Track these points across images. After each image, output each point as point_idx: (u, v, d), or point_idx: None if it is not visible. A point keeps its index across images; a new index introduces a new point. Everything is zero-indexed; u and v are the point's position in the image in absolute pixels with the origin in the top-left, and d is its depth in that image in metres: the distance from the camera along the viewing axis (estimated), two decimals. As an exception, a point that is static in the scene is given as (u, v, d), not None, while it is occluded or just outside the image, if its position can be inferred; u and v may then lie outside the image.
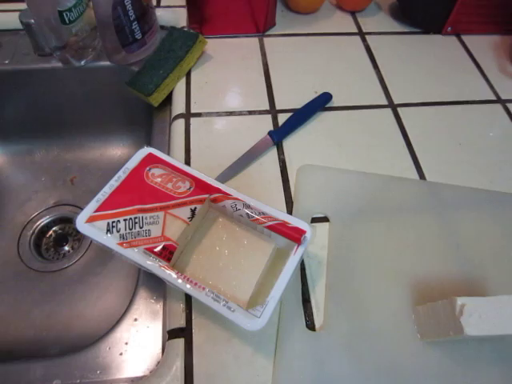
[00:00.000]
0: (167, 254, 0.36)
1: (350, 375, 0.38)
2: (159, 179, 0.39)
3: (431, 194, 0.51)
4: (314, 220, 0.48)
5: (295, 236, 0.37)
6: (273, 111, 0.59)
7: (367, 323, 0.41)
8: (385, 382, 0.38)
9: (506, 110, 0.62)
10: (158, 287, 0.45)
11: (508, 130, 0.60)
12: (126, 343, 0.42)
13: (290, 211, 0.48)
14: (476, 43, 0.72)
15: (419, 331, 0.40)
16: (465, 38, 0.73)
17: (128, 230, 0.36)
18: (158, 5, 0.73)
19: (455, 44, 0.72)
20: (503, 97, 0.64)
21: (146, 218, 0.37)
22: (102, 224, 0.36)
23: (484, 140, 0.58)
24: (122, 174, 0.40)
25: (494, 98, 0.64)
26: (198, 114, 0.57)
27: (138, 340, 0.42)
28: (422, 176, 0.53)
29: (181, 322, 0.40)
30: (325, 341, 0.39)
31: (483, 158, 0.56)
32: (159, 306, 0.44)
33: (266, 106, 0.59)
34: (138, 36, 0.62)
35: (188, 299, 0.41)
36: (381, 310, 0.42)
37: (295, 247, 0.37)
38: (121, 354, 0.41)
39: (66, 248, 0.68)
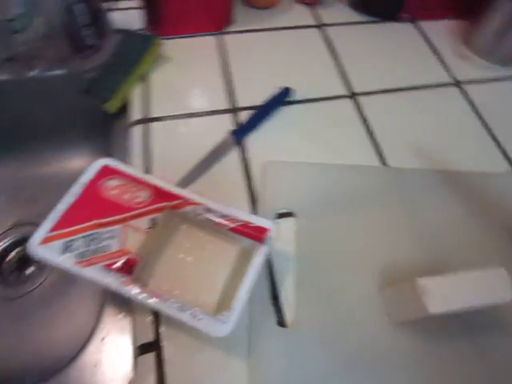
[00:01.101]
0: (128, 268, 0.35)
1: (325, 367, 0.38)
2: (116, 191, 0.38)
3: (394, 180, 0.51)
4: (280, 216, 0.47)
5: (258, 235, 0.37)
6: (234, 110, 0.58)
7: (338, 313, 0.41)
8: (359, 368, 0.38)
9: (463, 92, 0.63)
10: (125, 303, 0.44)
11: (465, 111, 0.61)
12: (95, 365, 0.40)
13: (255, 209, 0.48)
14: (432, 29, 0.73)
15: (388, 314, 0.41)
16: (421, 24, 0.74)
17: (86, 248, 0.35)
18: (111, 8, 0.71)
19: (412, 30, 0.73)
20: (460, 79, 0.65)
21: (103, 233, 0.36)
22: (58, 244, 0.35)
23: (443, 122, 0.59)
24: (76, 189, 0.38)
25: (451, 81, 0.65)
26: (158, 118, 0.56)
27: (108, 360, 0.41)
28: (384, 162, 0.53)
29: (149, 336, 0.39)
30: (297, 336, 0.39)
31: (443, 140, 0.57)
32: (128, 322, 0.43)
33: (228, 105, 0.58)
34: (92, 41, 0.60)
35: (156, 312, 0.40)
36: (350, 298, 0.42)
37: (259, 246, 0.37)
38: (91, 376, 0.40)
39: (30, 270, 0.65)
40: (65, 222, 0.36)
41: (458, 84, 0.64)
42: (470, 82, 0.65)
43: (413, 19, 0.74)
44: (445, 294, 0.35)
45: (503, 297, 0.35)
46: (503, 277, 0.35)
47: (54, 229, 0.36)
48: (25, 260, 0.66)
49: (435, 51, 0.69)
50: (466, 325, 0.41)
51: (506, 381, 0.39)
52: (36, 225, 0.36)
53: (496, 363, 0.40)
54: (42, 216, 0.36)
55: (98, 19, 0.60)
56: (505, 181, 0.53)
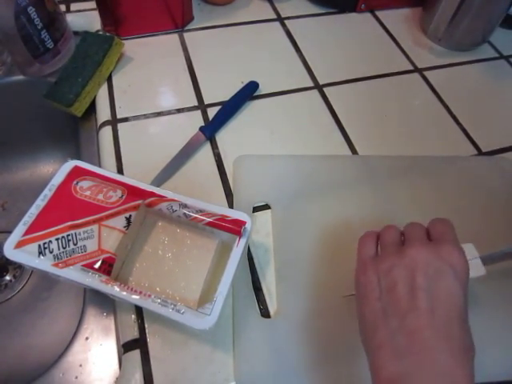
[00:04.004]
0: (107, 268, 0.34)
1: (310, 355, 0.39)
2: (88, 192, 0.38)
3: (364, 167, 0.52)
4: (256, 209, 0.48)
5: (235, 229, 0.37)
6: (202, 106, 0.58)
7: (319, 301, 0.42)
8: (342, 356, 0.39)
9: (424, 77, 0.65)
10: (106, 302, 0.43)
11: (427, 96, 0.63)
12: (80, 365, 0.40)
13: (230, 204, 0.48)
14: (389, 17, 0.75)
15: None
16: (378, 13, 0.76)
17: (62, 249, 0.35)
18: (68, 10, 0.70)
19: (370, 20, 0.75)
20: (419, 66, 0.67)
21: (79, 234, 0.35)
22: (33, 247, 0.35)
23: (407, 108, 0.61)
24: (48, 192, 0.38)
25: (411, 67, 0.67)
26: (125, 119, 0.56)
27: (93, 359, 0.40)
28: (354, 151, 0.55)
29: (134, 334, 0.39)
30: (281, 326, 0.40)
31: (409, 126, 0.59)
32: (111, 321, 0.43)
33: (194, 102, 0.58)
34: (50, 45, 0.59)
35: (139, 309, 0.40)
36: (330, 285, 0.43)
37: (237, 239, 0.37)
38: (76, 377, 0.39)
39: (8, 278, 0.64)
40: (38, 224, 0.35)
41: (418, 70, 0.66)
42: (430, 68, 0.67)
43: (370, 9, 0.76)
44: None
45: (477, 271, 0.36)
46: (472, 252, 0.37)
47: (27, 232, 0.35)
48: (2, 268, 0.65)
49: (394, 39, 0.71)
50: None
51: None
52: (9, 232, 0.35)
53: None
54: (16, 223, 0.36)
55: (54, 21, 0.58)
56: (471, 163, 0.55)
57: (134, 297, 0.33)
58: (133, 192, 0.39)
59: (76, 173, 0.39)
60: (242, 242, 0.37)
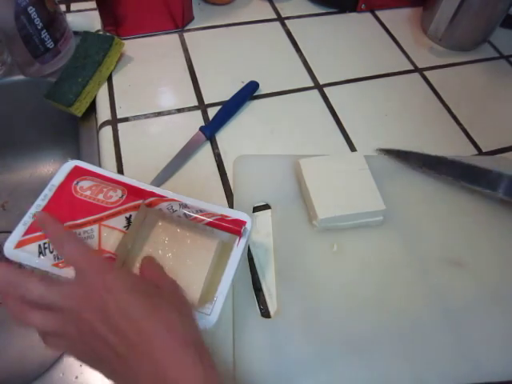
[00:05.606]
0: (107, 268, 0.34)
1: (310, 354, 0.39)
2: (89, 191, 0.38)
3: (364, 167, 0.52)
4: (256, 209, 0.48)
5: (235, 229, 0.37)
6: (202, 106, 0.58)
7: (319, 300, 0.42)
8: (342, 355, 0.39)
9: (424, 77, 0.65)
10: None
11: (427, 96, 0.63)
12: (81, 365, 0.40)
13: (230, 204, 0.48)
14: (389, 17, 0.75)
15: (369, 300, 0.42)
16: (379, 13, 0.76)
17: (62, 249, 0.35)
18: (68, 10, 0.70)
19: (371, 20, 0.75)
20: (420, 65, 0.67)
21: (79, 234, 0.35)
22: (33, 247, 0.34)
23: (408, 108, 0.61)
24: (48, 192, 0.38)
25: (411, 67, 0.67)
26: (125, 119, 0.56)
27: (93, 359, 0.40)
28: (354, 151, 0.55)
29: (134, 333, 0.39)
30: (281, 326, 0.40)
31: (409, 126, 0.59)
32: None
33: (195, 102, 0.58)
34: (50, 45, 0.59)
35: (139, 309, 0.40)
36: (329, 284, 0.43)
37: (237, 239, 0.37)
38: (76, 377, 0.39)
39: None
40: (38, 225, 0.35)
41: (418, 70, 0.66)
42: (430, 68, 0.67)
43: (370, 9, 0.76)
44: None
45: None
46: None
47: (28, 232, 0.35)
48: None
49: (394, 39, 0.71)
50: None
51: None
52: (10, 232, 0.35)
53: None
54: (16, 223, 0.36)
55: (54, 22, 0.58)
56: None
57: (134, 297, 0.33)
58: (133, 192, 0.39)
59: (76, 173, 0.39)
60: (242, 241, 0.37)
